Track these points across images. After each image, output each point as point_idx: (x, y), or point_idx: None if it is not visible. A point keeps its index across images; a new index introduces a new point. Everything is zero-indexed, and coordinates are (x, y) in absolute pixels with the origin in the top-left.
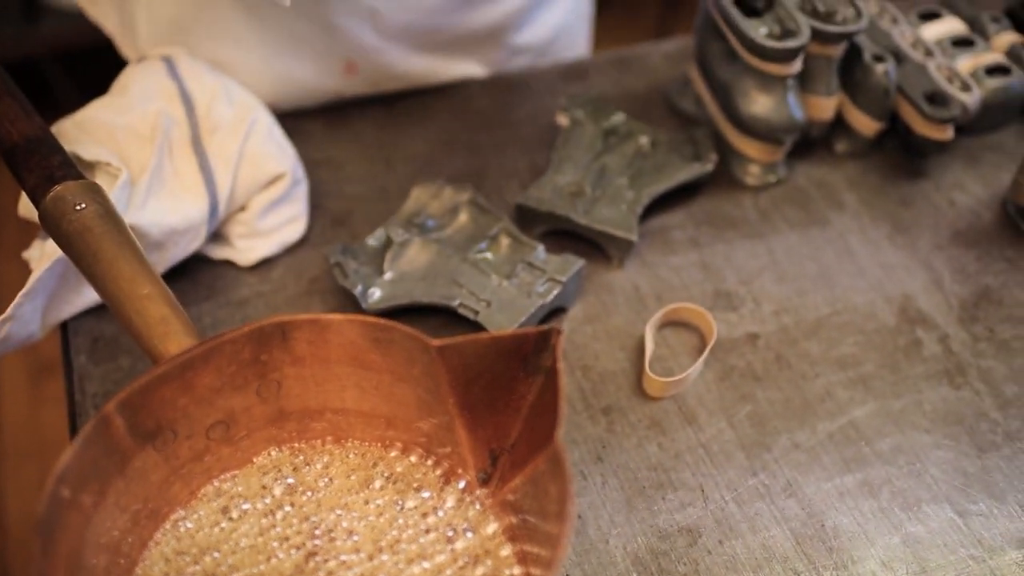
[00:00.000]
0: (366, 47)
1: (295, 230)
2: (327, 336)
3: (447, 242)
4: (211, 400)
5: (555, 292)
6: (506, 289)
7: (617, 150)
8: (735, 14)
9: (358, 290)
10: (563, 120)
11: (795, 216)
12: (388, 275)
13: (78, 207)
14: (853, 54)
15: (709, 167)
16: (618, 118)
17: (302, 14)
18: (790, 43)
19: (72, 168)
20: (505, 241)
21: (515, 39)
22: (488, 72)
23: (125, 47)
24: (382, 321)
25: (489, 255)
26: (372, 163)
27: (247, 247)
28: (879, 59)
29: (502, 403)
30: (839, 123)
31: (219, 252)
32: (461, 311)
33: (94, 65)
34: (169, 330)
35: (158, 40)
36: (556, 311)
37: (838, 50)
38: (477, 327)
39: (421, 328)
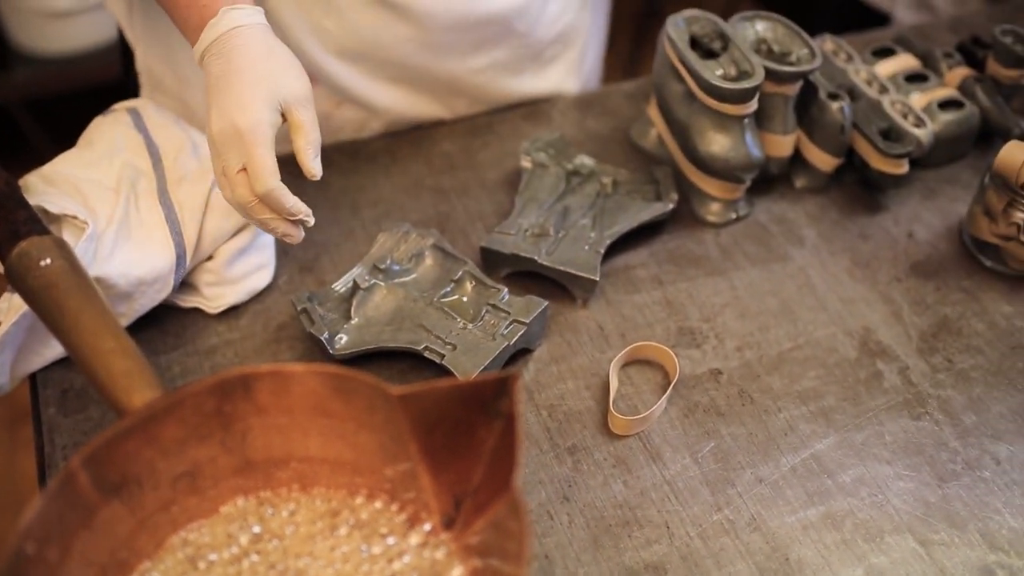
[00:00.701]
0: (319, 63)
1: (263, 277)
2: (289, 386)
3: (413, 286)
4: (176, 451)
5: (519, 334)
6: (471, 332)
7: (580, 191)
8: (691, 57)
9: (325, 336)
10: (526, 163)
11: (756, 252)
12: (355, 320)
13: (43, 262)
14: (809, 92)
15: (670, 206)
16: (580, 159)
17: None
18: (744, 84)
19: (37, 223)
20: (470, 284)
21: (502, 93)
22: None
23: (129, 34)
24: (343, 371)
25: (454, 298)
26: (338, 209)
27: (215, 295)
28: (834, 97)
29: (464, 448)
30: (798, 159)
31: (188, 300)
32: (427, 355)
33: (65, 111)
34: (133, 383)
35: (151, 36)
36: (522, 351)
37: (793, 89)
38: (444, 370)
39: (389, 371)
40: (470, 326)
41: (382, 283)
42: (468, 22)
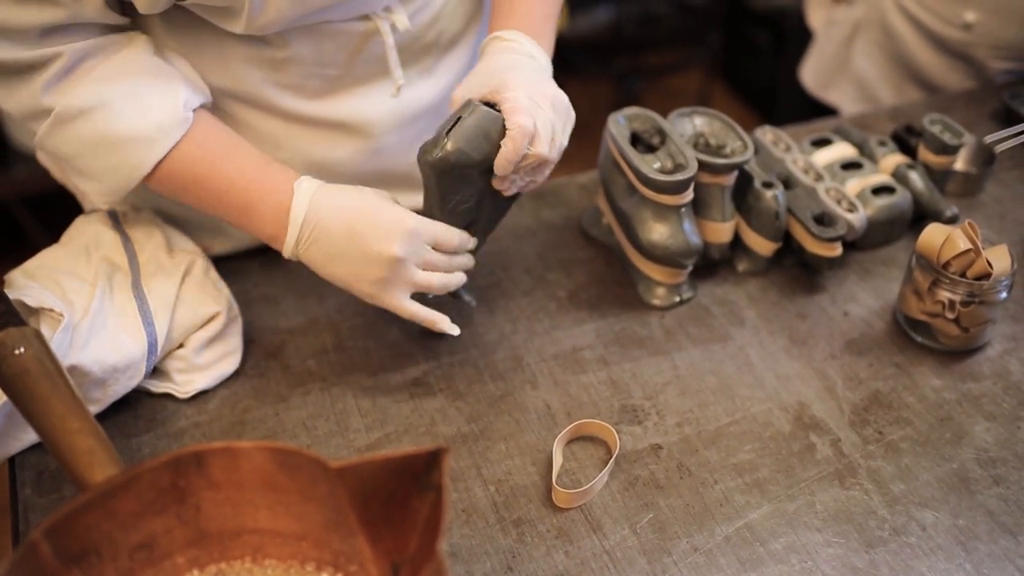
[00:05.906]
0: None
1: (230, 364)
2: (239, 462)
3: None
4: (133, 524)
5: None
6: None
7: None
8: (630, 151)
9: None
10: None
11: (698, 333)
12: None
13: (17, 351)
14: (745, 181)
15: None
16: None
17: None
18: (678, 176)
19: (14, 316)
20: None
21: None
22: None
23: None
24: (287, 446)
25: None
26: (304, 298)
27: (185, 381)
28: (768, 185)
29: (399, 518)
30: (739, 244)
31: (159, 386)
32: None
33: (61, 207)
34: (95, 461)
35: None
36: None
37: (728, 179)
38: None
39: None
40: None
41: None
42: (406, 120)
